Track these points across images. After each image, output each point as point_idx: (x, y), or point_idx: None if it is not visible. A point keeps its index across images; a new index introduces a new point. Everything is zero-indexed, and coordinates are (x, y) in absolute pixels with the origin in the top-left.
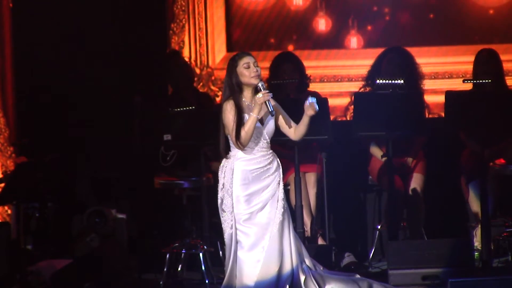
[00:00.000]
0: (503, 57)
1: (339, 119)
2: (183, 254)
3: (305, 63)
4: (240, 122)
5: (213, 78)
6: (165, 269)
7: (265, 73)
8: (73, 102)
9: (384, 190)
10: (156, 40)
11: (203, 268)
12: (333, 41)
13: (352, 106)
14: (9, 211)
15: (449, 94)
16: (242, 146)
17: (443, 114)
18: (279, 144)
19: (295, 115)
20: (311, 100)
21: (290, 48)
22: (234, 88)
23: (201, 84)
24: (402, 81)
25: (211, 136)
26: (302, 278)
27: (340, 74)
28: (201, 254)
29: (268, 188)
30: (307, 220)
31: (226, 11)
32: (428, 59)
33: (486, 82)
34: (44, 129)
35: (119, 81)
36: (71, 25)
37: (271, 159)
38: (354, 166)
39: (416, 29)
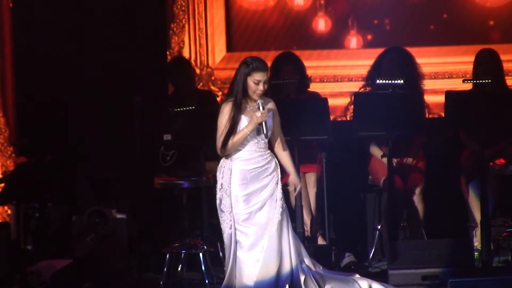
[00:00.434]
0: (503, 57)
1: (339, 119)
2: (183, 254)
3: (306, 64)
4: (234, 126)
5: (213, 78)
6: (165, 269)
7: None
8: (73, 102)
9: (384, 190)
10: (156, 40)
11: (203, 268)
12: (333, 41)
13: (352, 106)
14: (9, 211)
15: (449, 94)
16: (223, 153)
17: (443, 114)
18: None
19: (295, 115)
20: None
21: (290, 48)
22: (239, 90)
23: (201, 84)
24: (402, 81)
25: (211, 136)
26: (302, 277)
27: (340, 74)
28: (201, 254)
29: (266, 187)
30: (307, 220)
31: (226, 11)
32: (428, 59)
33: (486, 82)
34: (44, 129)
35: (119, 81)
36: (71, 25)
37: (269, 159)
38: (354, 166)
39: (416, 29)
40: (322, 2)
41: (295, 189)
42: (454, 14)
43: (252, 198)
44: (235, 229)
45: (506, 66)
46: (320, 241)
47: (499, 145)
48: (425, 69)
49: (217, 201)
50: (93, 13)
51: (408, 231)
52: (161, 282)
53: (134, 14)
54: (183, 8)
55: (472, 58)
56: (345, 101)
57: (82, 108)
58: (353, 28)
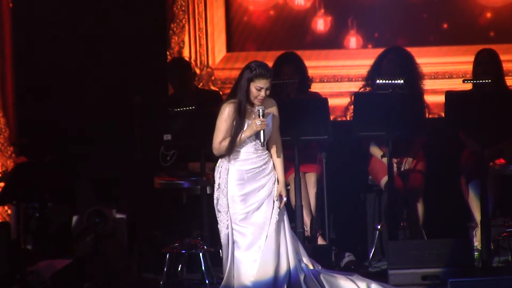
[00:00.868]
0: (503, 57)
1: (339, 119)
2: (183, 254)
3: (306, 63)
4: (237, 131)
5: (213, 78)
6: (165, 269)
7: None
8: (73, 102)
9: (384, 190)
10: (156, 40)
11: (203, 268)
12: (332, 41)
13: (352, 106)
14: (9, 211)
15: (449, 94)
16: (218, 153)
17: (443, 114)
18: None
19: (295, 115)
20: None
21: (290, 48)
22: (243, 95)
23: (201, 84)
24: (402, 81)
25: (211, 136)
26: (302, 277)
27: (340, 74)
28: (201, 254)
29: (264, 188)
30: (307, 220)
31: (226, 11)
32: (428, 59)
33: (486, 82)
34: (44, 129)
35: (119, 81)
36: (71, 25)
37: (266, 160)
38: (354, 166)
39: (416, 29)
40: (322, 2)
41: (281, 200)
42: (454, 14)
43: (249, 198)
44: (232, 229)
45: (506, 66)
46: (320, 241)
47: (499, 145)
48: (425, 69)
49: (215, 201)
50: (93, 13)
51: (408, 231)
52: (161, 282)
53: (134, 14)
54: (183, 8)
55: (472, 58)
56: (345, 101)
57: (82, 108)
58: (353, 28)
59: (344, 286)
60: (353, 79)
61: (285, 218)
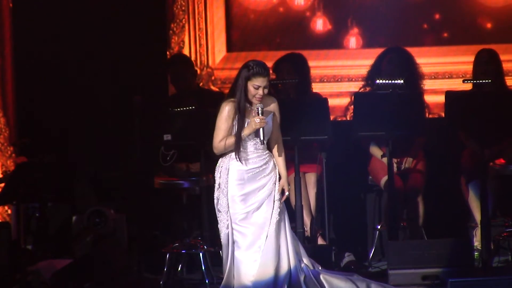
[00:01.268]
0: (503, 57)
1: (339, 119)
2: (183, 254)
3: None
4: (238, 131)
5: (213, 78)
6: (165, 269)
7: None
8: (73, 102)
9: (384, 190)
10: (156, 40)
11: (203, 268)
12: (332, 41)
13: (352, 106)
14: (9, 211)
15: (449, 94)
16: (218, 152)
17: (443, 114)
18: None
19: (295, 115)
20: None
21: (290, 48)
22: (241, 94)
23: (201, 84)
24: (402, 81)
25: (212, 136)
26: (302, 277)
27: (340, 74)
28: (201, 254)
29: (264, 188)
30: (307, 220)
31: (226, 11)
32: (428, 59)
33: (486, 82)
34: (44, 129)
35: (119, 81)
36: (71, 24)
37: (267, 159)
38: (354, 166)
39: (416, 29)
40: (322, 2)
41: (283, 194)
42: (454, 14)
43: (250, 198)
44: (232, 228)
45: (506, 66)
46: (320, 241)
47: (499, 145)
48: (425, 69)
49: (215, 201)
50: (93, 13)
51: (408, 231)
52: (161, 282)
53: (134, 14)
54: (183, 8)
55: (472, 58)
56: (344, 101)
57: (82, 108)
58: (352, 28)
59: (344, 287)
60: (353, 79)
61: (286, 218)
